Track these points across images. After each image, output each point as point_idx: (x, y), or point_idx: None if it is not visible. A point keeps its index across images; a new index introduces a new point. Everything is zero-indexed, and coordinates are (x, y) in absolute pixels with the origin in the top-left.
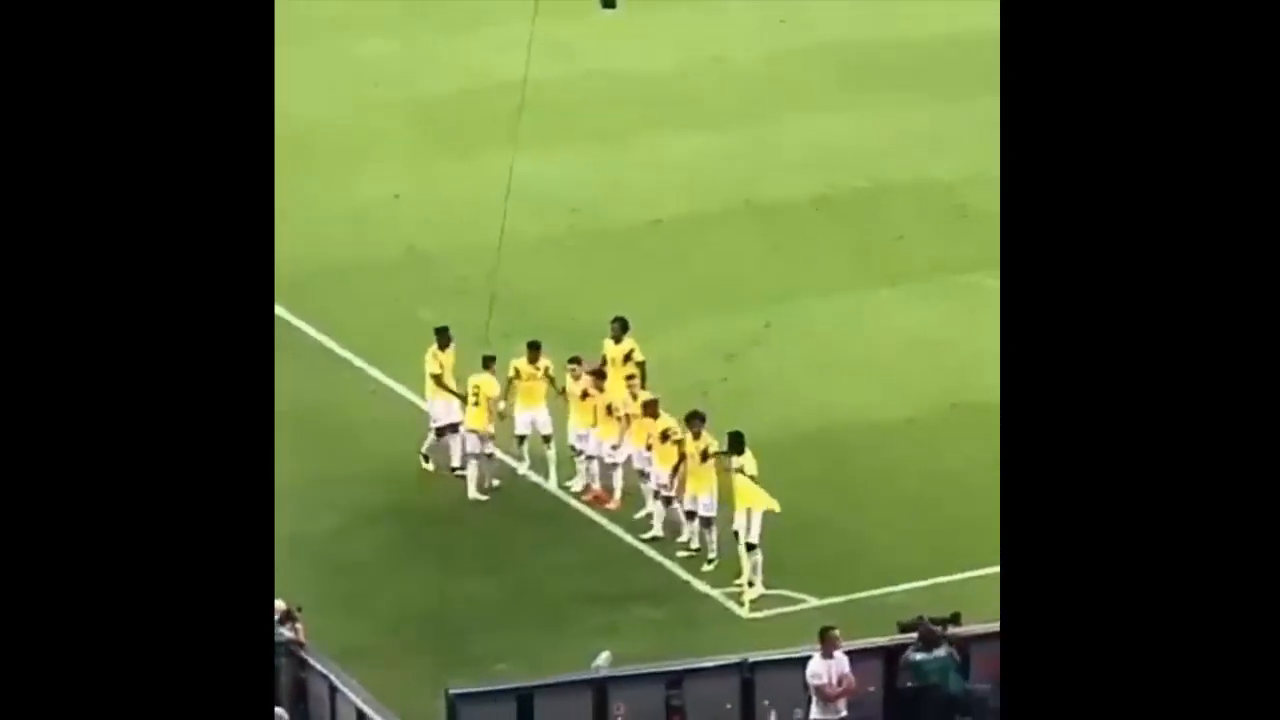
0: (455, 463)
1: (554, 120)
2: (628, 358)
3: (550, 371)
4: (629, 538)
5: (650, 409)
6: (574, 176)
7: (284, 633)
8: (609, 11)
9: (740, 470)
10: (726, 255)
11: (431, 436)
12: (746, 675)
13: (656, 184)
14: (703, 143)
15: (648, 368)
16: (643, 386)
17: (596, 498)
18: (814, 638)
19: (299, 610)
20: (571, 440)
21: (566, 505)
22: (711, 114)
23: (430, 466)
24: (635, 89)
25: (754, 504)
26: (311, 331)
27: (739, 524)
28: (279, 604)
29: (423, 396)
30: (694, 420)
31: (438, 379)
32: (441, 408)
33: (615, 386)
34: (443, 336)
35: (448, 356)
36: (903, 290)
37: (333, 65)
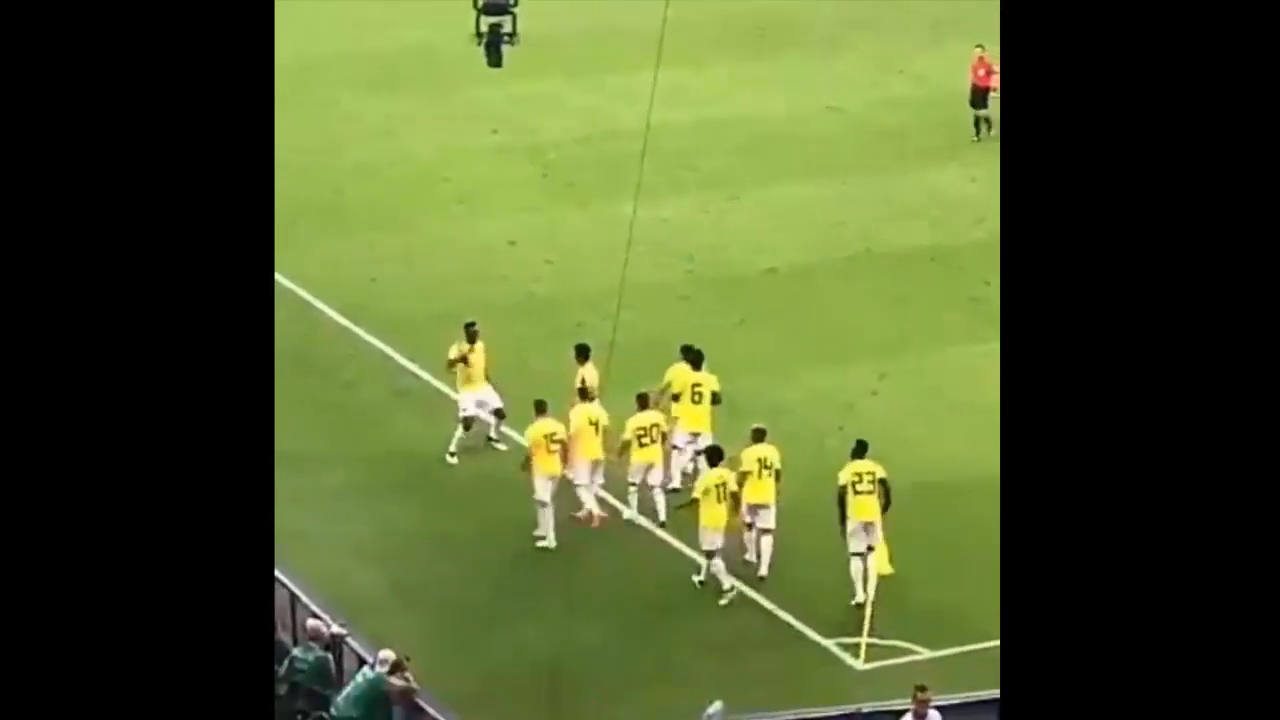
0: (492, 434)
1: (671, 167)
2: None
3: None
4: (742, 585)
5: (758, 435)
6: (690, 224)
7: (395, 682)
8: (495, 70)
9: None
10: (842, 304)
11: (460, 430)
12: None
13: (772, 232)
14: (819, 191)
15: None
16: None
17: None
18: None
19: (408, 659)
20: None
21: (678, 550)
22: (828, 163)
23: (455, 461)
24: (751, 137)
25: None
26: (427, 377)
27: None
28: (389, 654)
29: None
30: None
31: (451, 364)
32: (469, 398)
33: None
34: (469, 331)
35: (476, 352)
36: None
37: (452, 111)
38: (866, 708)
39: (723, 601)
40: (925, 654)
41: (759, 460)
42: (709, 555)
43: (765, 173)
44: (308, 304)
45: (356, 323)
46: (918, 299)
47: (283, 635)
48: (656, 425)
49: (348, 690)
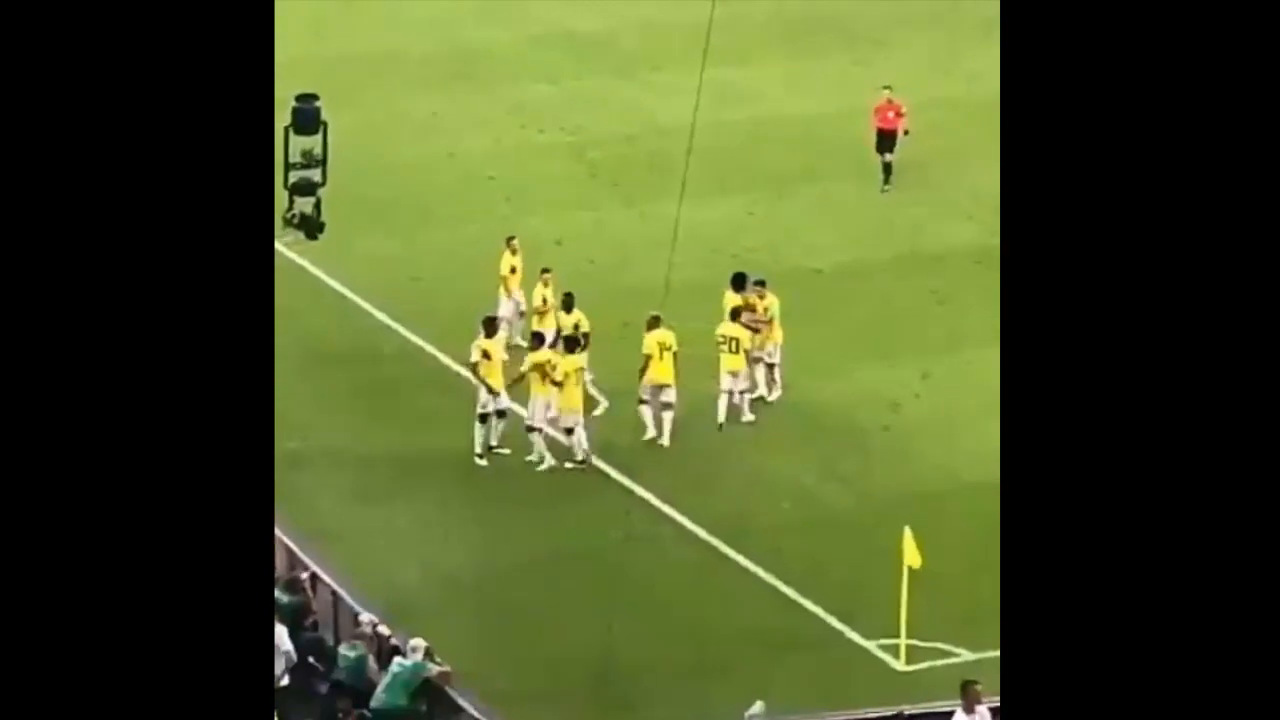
0: (493, 441)
1: (717, 166)
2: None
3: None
4: (784, 587)
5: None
6: (736, 222)
7: (431, 666)
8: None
9: None
10: (888, 304)
11: (478, 426)
12: None
13: (818, 232)
14: (865, 191)
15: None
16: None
17: None
18: None
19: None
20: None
21: (722, 552)
22: (874, 162)
23: (484, 463)
24: (798, 136)
25: (909, 559)
26: (470, 376)
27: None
28: (420, 642)
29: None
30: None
31: (474, 367)
32: (485, 394)
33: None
34: (489, 326)
35: (494, 344)
36: None
37: (499, 109)
38: (909, 710)
39: (530, 457)
40: (967, 655)
41: (659, 344)
42: (530, 430)
43: (811, 172)
44: (352, 301)
45: (400, 320)
46: (964, 300)
47: (325, 633)
48: (736, 339)
49: (386, 680)
